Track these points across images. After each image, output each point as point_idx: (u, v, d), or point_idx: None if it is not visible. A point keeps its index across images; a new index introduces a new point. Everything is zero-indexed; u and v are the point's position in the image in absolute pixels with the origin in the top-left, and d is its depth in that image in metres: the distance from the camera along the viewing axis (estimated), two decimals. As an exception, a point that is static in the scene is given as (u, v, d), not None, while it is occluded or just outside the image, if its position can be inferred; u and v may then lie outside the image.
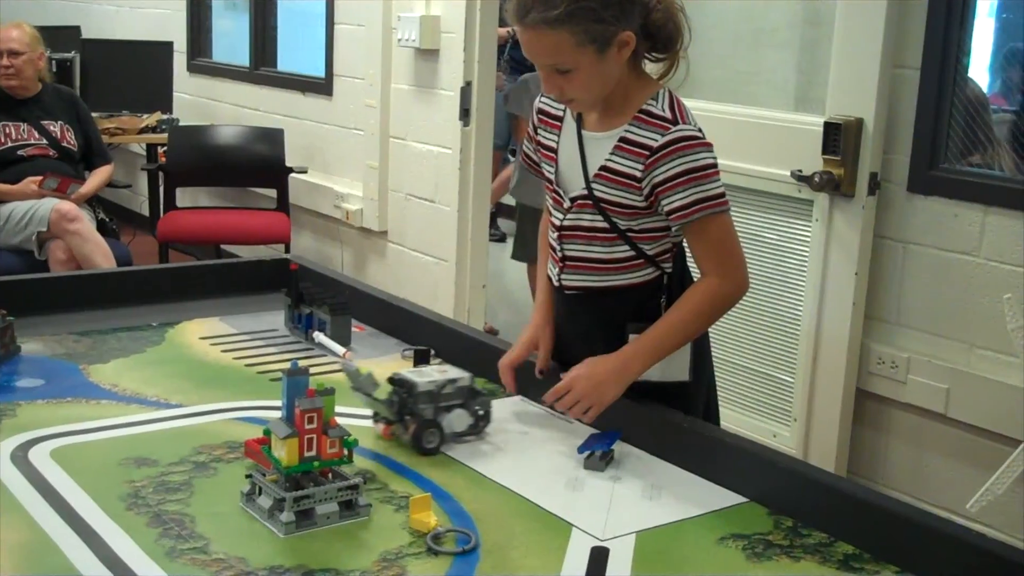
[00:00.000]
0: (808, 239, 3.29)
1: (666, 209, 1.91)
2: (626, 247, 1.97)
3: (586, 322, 2.06)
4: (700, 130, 1.92)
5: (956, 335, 3.04)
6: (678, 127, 1.89)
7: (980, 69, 3.14)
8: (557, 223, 2.03)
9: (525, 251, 5.12)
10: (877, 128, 3.10)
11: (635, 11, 1.87)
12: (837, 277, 3.20)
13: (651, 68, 2.00)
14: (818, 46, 3.49)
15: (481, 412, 1.91)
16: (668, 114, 1.91)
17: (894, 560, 1.53)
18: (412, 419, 1.84)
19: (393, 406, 1.86)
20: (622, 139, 1.93)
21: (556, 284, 2.07)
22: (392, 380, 1.88)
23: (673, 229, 1.95)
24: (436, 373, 1.89)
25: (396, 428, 1.87)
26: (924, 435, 3.14)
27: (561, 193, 2.02)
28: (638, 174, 1.91)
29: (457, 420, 1.87)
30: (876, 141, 3.11)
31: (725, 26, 3.80)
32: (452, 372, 1.91)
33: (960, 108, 3.03)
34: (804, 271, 3.31)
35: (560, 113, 2.04)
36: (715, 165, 1.91)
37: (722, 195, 1.91)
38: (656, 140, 1.89)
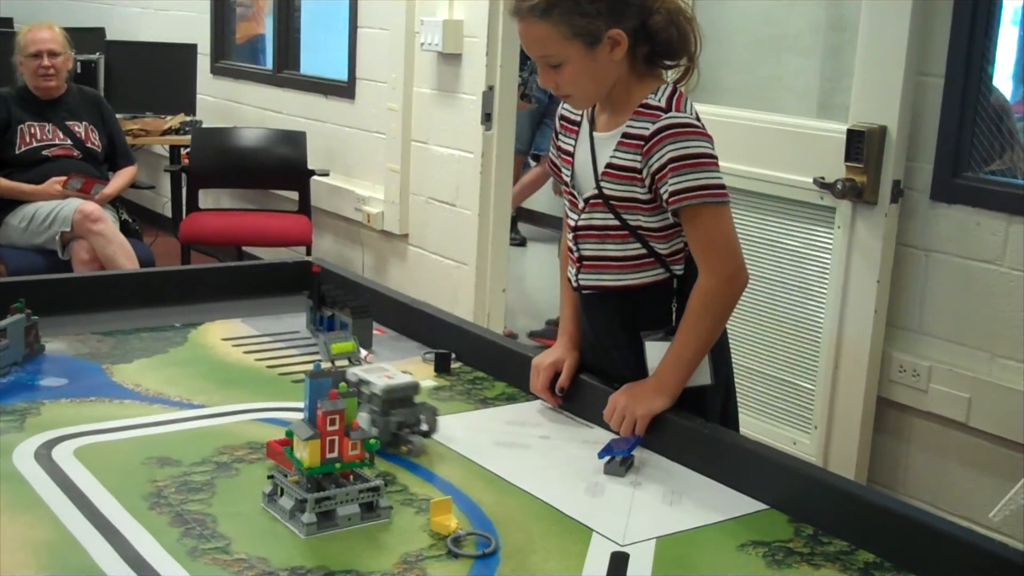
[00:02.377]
0: (830, 246, 3.27)
1: (663, 199, 1.92)
2: (638, 244, 1.99)
3: (603, 324, 2.07)
4: (698, 119, 1.93)
5: (978, 344, 3.03)
6: (670, 115, 1.91)
7: (1003, 77, 3.12)
8: (572, 223, 2.06)
9: None
10: (900, 136, 3.09)
11: (628, 11, 1.90)
12: (859, 285, 3.19)
13: (666, 75, 2.02)
14: (842, 52, 3.47)
15: (420, 421, 1.87)
16: (663, 104, 1.93)
17: (915, 569, 1.52)
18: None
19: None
20: (623, 134, 1.96)
21: (574, 285, 2.09)
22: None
23: (671, 218, 1.96)
24: (384, 378, 1.84)
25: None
26: (945, 444, 3.12)
27: (576, 194, 2.05)
28: (638, 165, 1.93)
29: (385, 427, 1.82)
30: (899, 149, 3.09)
31: (747, 31, 3.79)
32: (399, 379, 1.85)
33: (984, 116, 3.01)
34: (826, 278, 3.30)
35: (578, 118, 2.08)
36: (710, 155, 1.91)
37: (719, 186, 1.91)
38: (648, 128, 1.92)
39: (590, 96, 1.98)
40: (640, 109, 1.95)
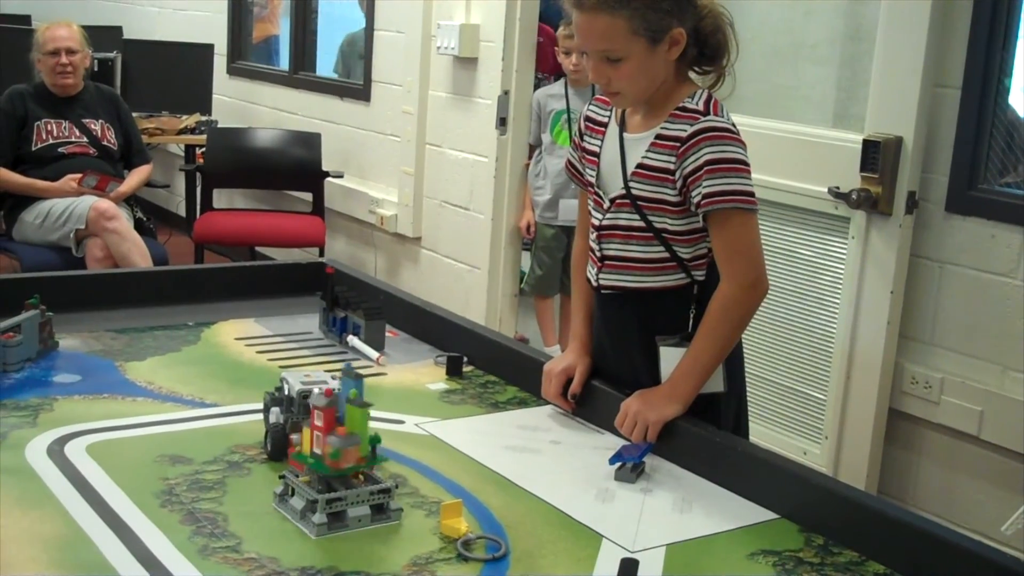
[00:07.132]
0: (844, 256, 3.27)
1: (693, 202, 1.93)
2: (661, 247, 1.99)
3: (619, 325, 2.08)
4: (734, 126, 1.94)
5: (991, 357, 3.02)
6: (709, 118, 1.93)
7: (1018, 89, 3.11)
8: (596, 223, 2.06)
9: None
10: (916, 147, 3.08)
11: (689, 11, 1.92)
12: (872, 295, 3.19)
13: (698, 80, 2.03)
14: (858, 62, 3.47)
15: None
16: (701, 107, 1.95)
17: (926, 581, 1.52)
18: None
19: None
20: (658, 136, 1.97)
21: (594, 284, 2.09)
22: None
23: (697, 223, 1.97)
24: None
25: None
26: (957, 456, 3.11)
27: (601, 194, 2.06)
28: (671, 166, 1.94)
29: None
30: (915, 160, 3.09)
31: (765, 40, 3.79)
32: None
33: (1001, 129, 3.00)
34: (839, 289, 3.29)
35: (605, 120, 2.09)
36: (744, 161, 1.92)
37: (750, 193, 1.92)
38: (686, 130, 1.93)
39: (640, 95, 1.97)
40: (676, 112, 1.95)
